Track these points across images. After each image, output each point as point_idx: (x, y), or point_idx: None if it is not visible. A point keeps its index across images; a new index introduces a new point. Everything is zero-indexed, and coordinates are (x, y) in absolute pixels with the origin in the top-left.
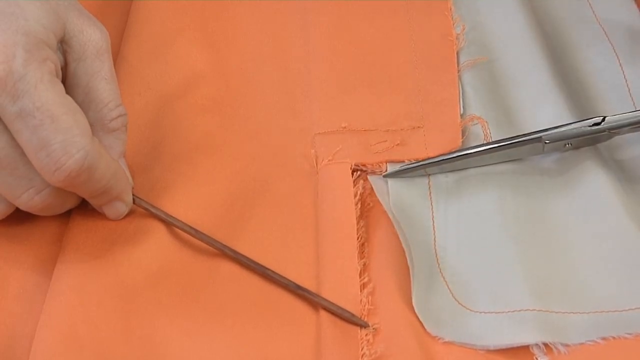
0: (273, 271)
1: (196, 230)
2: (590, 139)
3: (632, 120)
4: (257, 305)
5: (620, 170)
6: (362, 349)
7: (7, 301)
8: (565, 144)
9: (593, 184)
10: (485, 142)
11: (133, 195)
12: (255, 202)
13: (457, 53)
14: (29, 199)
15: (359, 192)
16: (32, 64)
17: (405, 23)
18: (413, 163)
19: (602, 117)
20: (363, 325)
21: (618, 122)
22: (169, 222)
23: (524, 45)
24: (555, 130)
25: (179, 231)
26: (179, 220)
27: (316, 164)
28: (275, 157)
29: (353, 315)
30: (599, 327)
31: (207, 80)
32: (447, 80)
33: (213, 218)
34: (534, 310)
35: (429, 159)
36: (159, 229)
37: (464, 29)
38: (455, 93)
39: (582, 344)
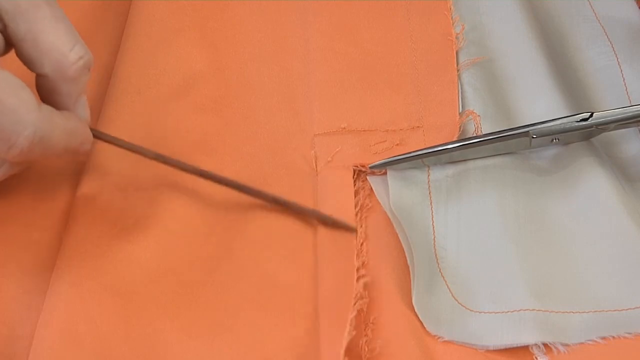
0: (249, 187)
1: (158, 155)
2: (579, 135)
3: (619, 116)
4: (257, 305)
5: (619, 170)
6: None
7: (7, 301)
8: (553, 139)
9: (593, 183)
10: (475, 135)
11: (92, 129)
12: (255, 202)
13: (457, 53)
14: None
15: (359, 193)
16: None
17: (405, 23)
18: (401, 155)
19: (590, 113)
20: (351, 228)
21: (606, 118)
22: (132, 150)
23: (524, 45)
24: (543, 125)
25: (179, 229)
26: (140, 146)
27: (316, 165)
28: (275, 157)
29: (336, 220)
30: (599, 326)
31: (206, 80)
32: (447, 80)
33: (213, 217)
34: (534, 310)
35: (416, 150)
36: (158, 227)
37: (463, 29)
38: (455, 93)
39: (581, 343)
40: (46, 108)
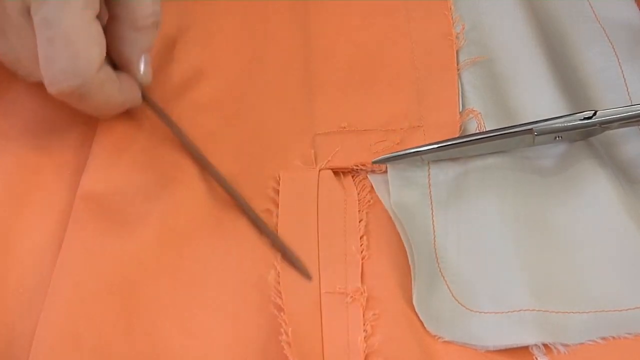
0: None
1: (192, 143)
2: (582, 133)
3: (623, 115)
4: (258, 304)
5: (620, 171)
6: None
7: (7, 301)
8: (556, 137)
9: (593, 184)
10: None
11: (144, 94)
12: (256, 201)
13: (457, 52)
14: (49, 86)
15: (359, 191)
16: None
17: (405, 23)
18: (404, 150)
19: (593, 111)
20: (306, 275)
21: (609, 117)
22: (171, 128)
23: (524, 45)
24: (546, 123)
25: (179, 226)
26: (182, 133)
27: (316, 164)
28: (275, 157)
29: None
30: (599, 327)
31: (207, 80)
32: (447, 79)
33: (213, 217)
34: (534, 310)
35: (420, 146)
36: (159, 226)
37: (463, 29)
38: (455, 92)
39: (581, 344)
40: (105, 73)
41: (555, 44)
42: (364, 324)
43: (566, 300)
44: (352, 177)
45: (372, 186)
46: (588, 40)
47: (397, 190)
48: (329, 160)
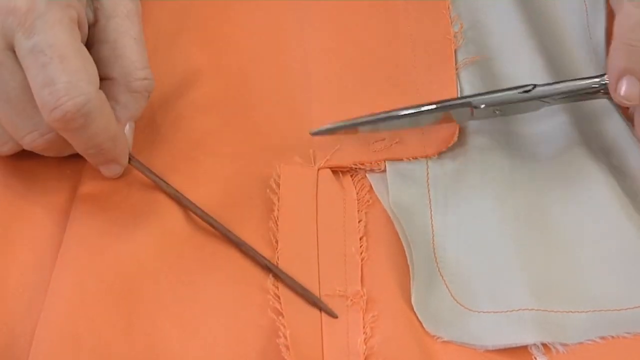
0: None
1: (184, 197)
2: (521, 107)
3: (560, 89)
4: (259, 305)
5: (618, 171)
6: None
7: (7, 300)
8: (495, 111)
9: (592, 183)
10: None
11: (129, 155)
12: (255, 201)
13: (455, 51)
14: (32, 140)
15: (359, 189)
16: (54, 6)
17: (404, 22)
18: (342, 122)
19: (532, 85)
20: (331, 314)
21: (547, 91)
22: (161, 187)
23: (521, 43)
24: (485, 97)
25: (179, 227)
26: (170, 186)
27: (314, 163)
28: (274, 157)
29: (318, 299)
30: (598, 326)
31: (206, 80)
32: (446, 79)
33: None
34: (533, 309)
35: (359, 117)
36: (159, 226)
37: (462, 28)
38: (454, 92)
39: (580, 343)
40: (103, 95)
41: (553, 42)
42: (363, 327)
43: (565, 300)
44: (351, 176)
45: (371, 185)
46: (587, 39)
47: (395, 189)
48: (327, 159)
